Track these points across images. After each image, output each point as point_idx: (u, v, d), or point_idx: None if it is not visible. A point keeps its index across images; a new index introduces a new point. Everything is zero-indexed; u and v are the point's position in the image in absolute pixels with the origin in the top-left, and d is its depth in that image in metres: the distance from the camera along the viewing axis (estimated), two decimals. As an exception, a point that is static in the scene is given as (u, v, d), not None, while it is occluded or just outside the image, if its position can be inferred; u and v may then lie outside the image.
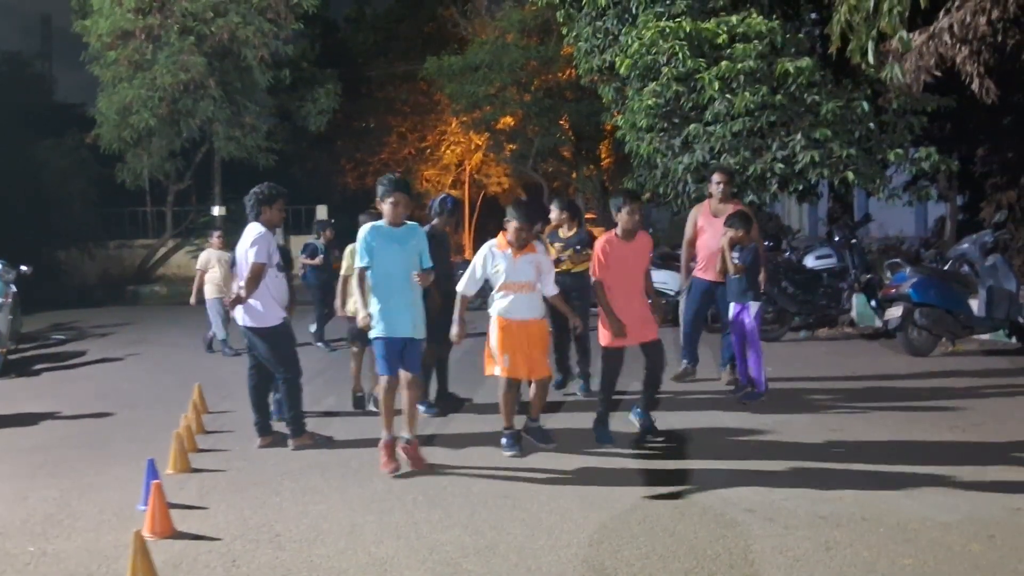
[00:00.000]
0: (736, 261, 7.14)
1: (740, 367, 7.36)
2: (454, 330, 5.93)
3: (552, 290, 6.06)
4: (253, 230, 6.10)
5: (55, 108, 26.17)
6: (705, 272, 7.83)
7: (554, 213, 7.70)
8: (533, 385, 6.16)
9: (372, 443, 5.80)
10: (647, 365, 6.20)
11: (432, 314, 6.66)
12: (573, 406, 7.24)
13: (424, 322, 5.82)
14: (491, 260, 5.93)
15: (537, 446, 5.99)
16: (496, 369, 5.92)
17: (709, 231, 7.80)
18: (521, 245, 5.89)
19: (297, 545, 4.40)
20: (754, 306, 7.15)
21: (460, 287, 6.01)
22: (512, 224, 5.84)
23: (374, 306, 5.68)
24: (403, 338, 5.67)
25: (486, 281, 6.02)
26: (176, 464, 5.70)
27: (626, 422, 6.37)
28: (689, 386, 7.92)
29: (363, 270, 5.73)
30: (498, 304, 5.93)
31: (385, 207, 5.74)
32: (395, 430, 5.69)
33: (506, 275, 5.87)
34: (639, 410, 6.32)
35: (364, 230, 5.75)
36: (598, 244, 6.21)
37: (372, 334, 5.71)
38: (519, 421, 6.11)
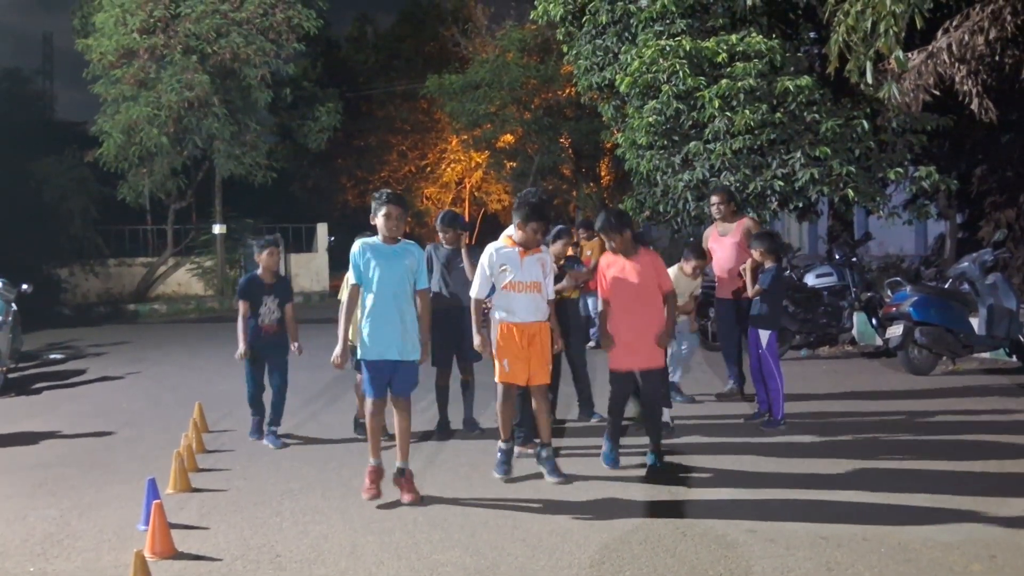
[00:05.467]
0: (757, 284, 7.04)
1: (759, 393, 7.25)
2: (476, 340, 5.74)
3: (551, 294, 5.82)
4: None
5: (55, 126, 26.28)
6: (720, 291, 8.09)
7: (560, 241, 7.07)
8: (533, 397, 5.84)
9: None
10: (641, 396, 6.00)
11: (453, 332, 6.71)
12: (574, 427, 7.22)
13: (418, 343, 5.50)
14: (496, 259, 5.67)
15: (547, 475, 5.72)
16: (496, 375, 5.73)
17: (719, 251, 8.01)
18: (533, 245, 5.70)
19: (298, 565, 4.39)
20: (765, 335, 6.97)
21: (472, 292, 5.80)
22: (531, 225, 5.59)
23: (364, 326, 5.42)
24: (392, 361, 5.39)
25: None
26: (177, 484, 5.68)
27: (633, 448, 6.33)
28: (690, 408, 7.90)
29: (355, 287, 5.51)
30: (500, 305, 5.71)
31: (379, 221, 5.43)
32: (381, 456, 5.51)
33: (513, 274, 5.63)
34: (651, 454, 5.94)
35: (355, 247, 5.51)
36: (601, 261, 6.08)
37: (359, 355, 5.49)
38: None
